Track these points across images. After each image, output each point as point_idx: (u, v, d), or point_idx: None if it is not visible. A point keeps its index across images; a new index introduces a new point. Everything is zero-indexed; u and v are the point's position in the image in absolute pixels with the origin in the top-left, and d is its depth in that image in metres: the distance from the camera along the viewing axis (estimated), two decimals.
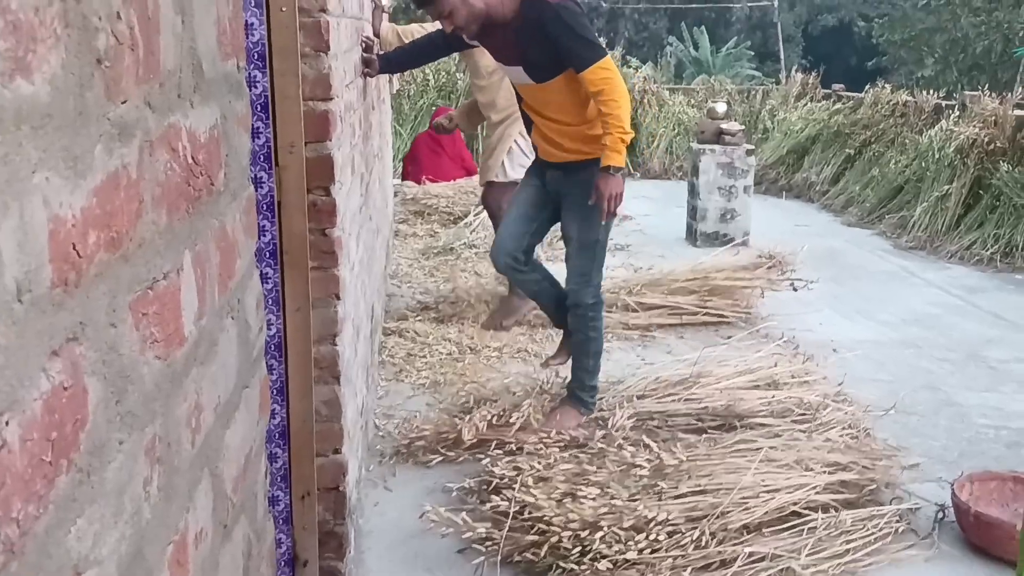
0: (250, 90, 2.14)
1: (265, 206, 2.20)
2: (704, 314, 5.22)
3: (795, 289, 5.35)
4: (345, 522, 2.56)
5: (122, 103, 0.73)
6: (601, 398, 3.84)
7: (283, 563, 2.48)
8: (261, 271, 2.24)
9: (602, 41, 3.44)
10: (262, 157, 2.19)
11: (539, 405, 3.77)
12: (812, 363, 4.34)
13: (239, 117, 1.15)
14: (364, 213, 3.44)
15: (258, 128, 2.17)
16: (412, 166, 8.28)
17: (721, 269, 5.40)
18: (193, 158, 0.94)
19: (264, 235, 2.21)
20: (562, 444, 3.43)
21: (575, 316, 3.71)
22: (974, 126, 7.54)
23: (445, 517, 2.96)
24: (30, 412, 0.56)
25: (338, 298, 2.40)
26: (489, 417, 3.65)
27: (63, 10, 0.62)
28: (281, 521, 2.44)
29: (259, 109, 2.16)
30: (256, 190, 2.19)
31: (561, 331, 3.99)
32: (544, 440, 3.43)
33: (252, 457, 1.20)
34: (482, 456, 3.45)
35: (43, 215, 0.59)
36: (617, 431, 3.48)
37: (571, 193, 3.58)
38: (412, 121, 10.27)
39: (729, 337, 5.07)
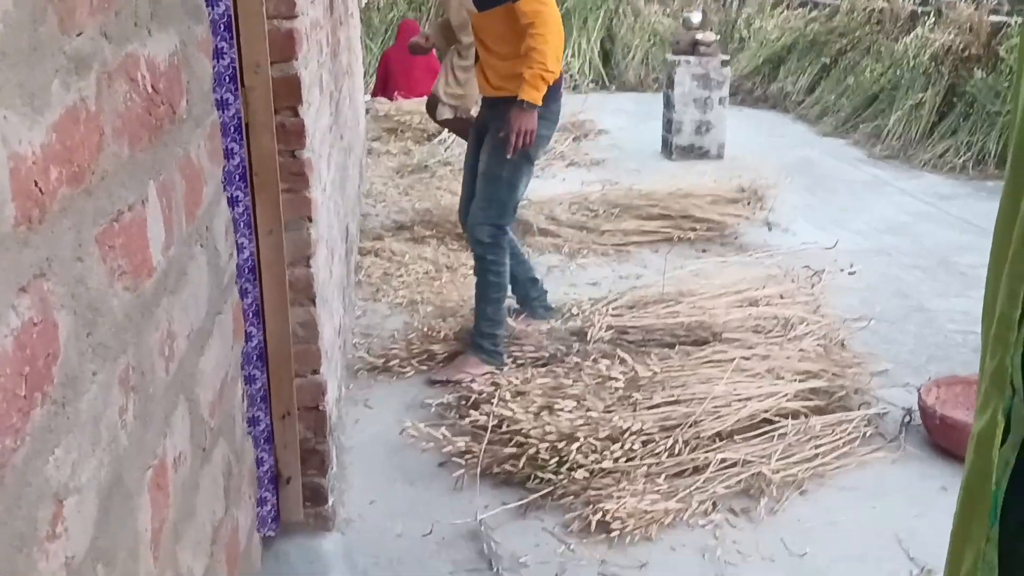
0: (213, 9, 2.09)
1: (233, 128, 2.18)
2: (680, 229, 5.25)
3: (769, 229, 5.37)
4: (326, 440, 2.60)
5: (77, 35, 0.73)
6: (577, 313, 3.88)
7: (266, 481, 2.53)
8: (231, 194, 2.23)
9: None
10: (228, 78, 2.15)
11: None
12: (785, 276, 4.39)
13: (199, 42, 1.14)
14: (335, 132, 3.40)
15: (222, 48, 2.13)
16: (383, 82, 8.15)
17: (696, 197, 5.39)
18: (153, 87, 0.94)
19: (233, 158, 2.19)
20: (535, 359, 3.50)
21: (473, 251, 3.63)
22: (949, 33, 7.50)
23: (425, 432, 3.03)
24: (1, 349, 0.58)
25: (310, 220, 2.40)
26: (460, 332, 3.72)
27: None
28: (263, 440, 2.48)
29: (222, 29, 2.11)
30: (223, 112, 2.17)
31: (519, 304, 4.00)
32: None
33: (228, 381, 1.22)
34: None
35: (2, 153, 0.59)
36: (594, 344, 3.53)
37: (490, 127, 3.56)
38: (382, 35, 10.07)
39: (704, 251, 5.12)
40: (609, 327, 3.63)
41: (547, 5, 3.31)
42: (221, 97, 2.17)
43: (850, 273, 4.26)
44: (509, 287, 3.74)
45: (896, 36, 8.39)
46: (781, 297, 4.05)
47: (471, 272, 4.60)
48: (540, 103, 3.33)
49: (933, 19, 8.05)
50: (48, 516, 0.64)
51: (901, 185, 6.53)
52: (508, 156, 3.38)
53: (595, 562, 2.54)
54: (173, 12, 1.03)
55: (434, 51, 8.15)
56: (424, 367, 3.65)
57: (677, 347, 3.54)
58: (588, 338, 3.59)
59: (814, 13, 9.92)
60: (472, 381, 3.41)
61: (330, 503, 2.64)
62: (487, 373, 3.46)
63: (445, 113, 5.40)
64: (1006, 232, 0.78)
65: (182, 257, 1.01)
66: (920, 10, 8.48)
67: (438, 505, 2.80)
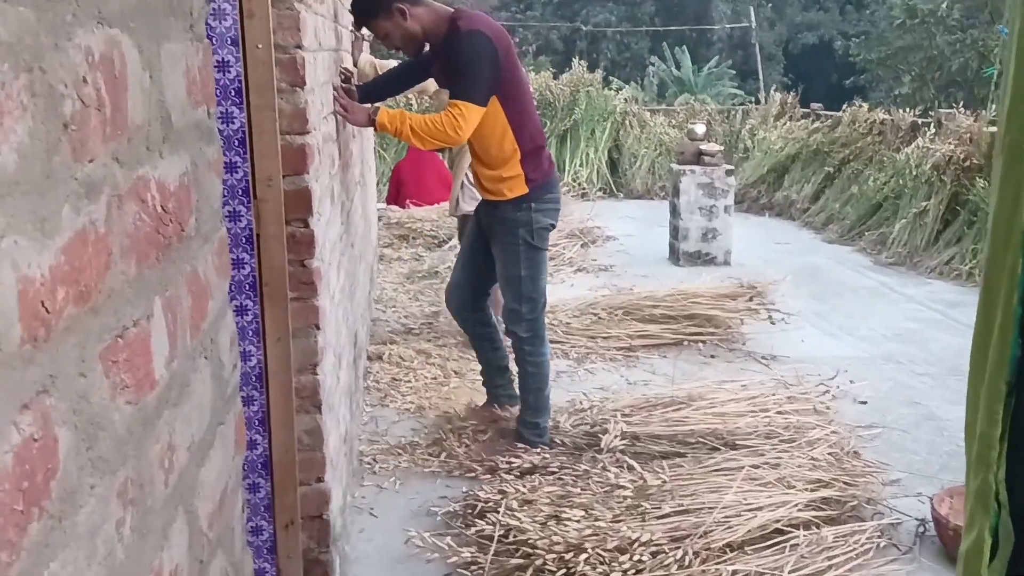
0: (227, 126, 2.18)
1: (244, 239, 2.23)
2: (686, 334, 5.27)
3: (772, 322, 5.40)
4: (330, 550, 2.57)
5: (89, 162, 0.77)
6: (593, 414, 3.88)
7: None
8: (240, 303, 2.27)
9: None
10: (240, 191, 2.22)
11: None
12: (795, 384, 4.38)
13: (210, 162, 1.19)
14: (345, 241, 3.47)
15: (236, 163, 2.20)
16: (395, 190, 8.33)
17: (701, 296, 5.45)
18: (163, 207, 0.98)
19: (243, 267, 2.24)
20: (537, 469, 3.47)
21: (513, 348, 3.77)
22: (949, 143, 7.65)
23: (430, 542, 2.99)
24: (1, 465, 0.59)
25: (318, 328, 2.43)
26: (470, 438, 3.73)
27: (29, 81, 0.65)
28: (265, 551, 2.46)
29: (236, 144, 2.20)
30: (234, 223, 2.23)
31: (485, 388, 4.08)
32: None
33: (228, 493, 1.23)
34: (470, 477, 3.50)
35: (12, 277, 0.62)
36: (608, 452, 3.51)
37: (492, 230, 3.69)
38: (395, 144, 10.32)
39: (712, 356, 5.13)
40: (622, 434, 3.61)
41: (464, 115, 3.33)
42: (233, 209, 2.23)
43: (862, 402, 4.27)
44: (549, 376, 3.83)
45: (898, 146, 8.56)
46: (790, 401, 4.04)
47: (479, 377, 4.62)
48: (379, 129, 3.39)
49: (933, 130, 8.23)
50: None
51: (908, 292, 6.56)
52: (334, 112, 3.31)
53: None
54: (185, 135, 1.08)
55: (439, 157, 8.39)
56: (431, 471, 3.63)
57: (688, 455, 3.51)
58: (601, 446, 3.56)
59: (816, 124, 10.16)
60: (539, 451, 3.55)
61: None
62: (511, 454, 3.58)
63: (466, 208, 5.44)
64: (982, 352, 0.79)
65: (185, 370, 1.04)
66: (920, 121, 8.67)
67: None
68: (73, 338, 0.73)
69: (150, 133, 0.95)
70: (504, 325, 3.81)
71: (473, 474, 3.55)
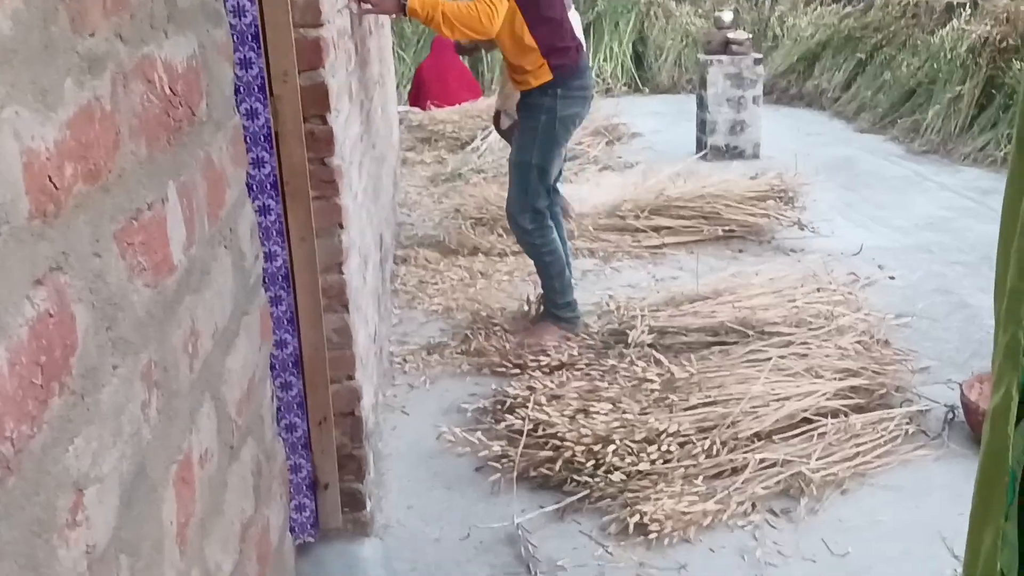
0: (239, 19, 2.13)
1: (263, 137, 2.21)
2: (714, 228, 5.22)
3: (801, 229, 5.27)
4: (363, 445, 2.62)
5: (90, 35, 0.74)
6: (621, 312, 3.88)
7: (304, 487, 2.55)
8: (263, 203, 2.25)
9: None
10: (256, 87, 2.18)
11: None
12: (824, 274, 4.34)
13: (219, 45, 1.15)
14: (366, 141, 3.43)
15: (250, 58, 2.16)
16: (416, 92, 8.21)
17: (728, 197, 5.33)
18: (171, 88, 0.95)
19: (263, 167, 2.21)
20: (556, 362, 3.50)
21: (520, 241, 3.82)
22: (986, 24, 7.36)
23: (461, 437, 3.04)
24: (16, 338, 0.59)
25: (342, 227, 2.42)
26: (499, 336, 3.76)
27: None
28: (300, 447, 2.50)
29: (250, 39, 2.15)
30: (252, 121, 2.20)
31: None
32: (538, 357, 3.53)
33: (256, 382, 1.24)
34: (498, 374, 3.54)
35: (15, 148, 0.60)
36: (635, 347, 3.52)
37: (520, 116, 3.76)
38: (415, 45, 10.14)
39: (740, 251, 5.08)
40: (649, 329, 3.61)
41: (492, 4, 3.37)
42: (250, 107, 2.20)
43: (891, 277, 4.20)
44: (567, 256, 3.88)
45: (932, 29, 8.26)
46: (819, 291, 4.01)
47: (505, 278, 4.63)
48: (409, 14, 3.37)
49: (969, 11, 7.92)
50: (68, 504, 0.65)
51: (941, 180, 6.42)
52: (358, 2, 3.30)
53: (633, 565, 2.52)
54: (191, 15, 1.05)
55: (466, 60, 8.25)
56: (461, 370, 3.67)
57: (714, 347, 3.51)
58: (629, 341, 3.57)
59: (848, 8, 9.81)
60: (554, 346, 3.63)
61: (368, 509, 2.66)
62: (564, 338, 3.73)
63: (506, 123, 5.38)
64: (1014, 207, 0.76)
65: (205, 257, 1.03)
66: (956, 2, 8.34)
67: (475, 510, 2.80)
68: (85, 216, 0.71)
69: (153, 10, 0.91)
70: (509, 220, 3.81)
71: (503, 371, 3.57)
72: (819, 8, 10.27)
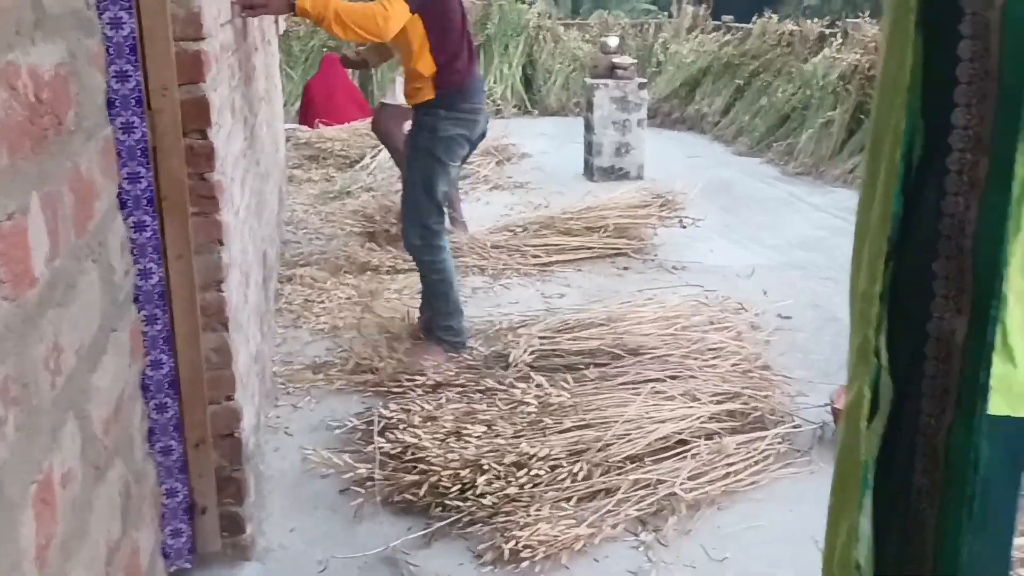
0: (116, 31, 2.06)
1: (139, 151, 2.14)
2: (601, 247, 5.32)
3: (683, 226, 5.50)
4: (243, 467, 2.55)
5: None
6: (505, 333, 3.91)
7: (181, 511, 2.47)
8: (139, 219, 2.18)
9: None
10: (133, 101, 2.11)
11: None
12: (704, 294, 4.47)
13: (91, 55, 1.12)
14: (250, 157, 3.37)
15: (127, 71, 2.10)
16: (305, 110, 8.11)
17: (613, 207, 5.49)
18: (37, 96, 0.92)
19: (139, 182, 2.15)
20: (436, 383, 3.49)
21: (416, 260, 3.81)
22: (855, 52, 7.77)
23: (325, 458, 3.00)
24: None
25: (221, 244, 2.37)
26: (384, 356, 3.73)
27: None
28: (177, 470, 2.42)
29: (127, 51, 2.08)
30: (128, 135, 2.13)
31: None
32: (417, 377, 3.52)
33: (125, 400, 1.20)
34: (382, 394, 3.51)
35: None
36: (515, 369, 3.52)
37: (410, 131, 3.77)
38: (303, 64, 10.02)
39: (625, 268, 5.20)
40: (531, 351, 3.62)
41: (388, 5, 3.32)
42: (127, 120, 2.13)
43: (785, 317, 4.35)
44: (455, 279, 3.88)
45: (806, 57, 8.67)
46: (698, 312, 4.12)
47: (395, 296, 4.60)
48: (300, 13, 3.31)
49: (840, 40, 8.35)
50: None
51: (814, 201, 6.72)
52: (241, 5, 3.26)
53: None
54: (61, 23, 1.02)
55: (348, 76, 8.21)
56: (347, 389, 3.63)
57: (592, 368, 3.51)
58: (509, 362, 3.56)
59: (727, 36, 10.20)
60: (436, 368, 3.59)
61: (248, 532, 2.60)
62: (449, 359, 3.69)
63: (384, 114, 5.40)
64: (866, 211, 0.82)
65: (71, 270, 1.00)
66: (827, 31, 8.78)
67: (359, 531, 2.76)
68: None
69: (20, 16, 0.88)
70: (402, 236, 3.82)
71: (386, 391, 3.55)
72: (700, 36, 10.64)
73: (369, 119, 7.38)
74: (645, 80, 7.78)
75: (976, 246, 0.88)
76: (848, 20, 8.92)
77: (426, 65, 3.56)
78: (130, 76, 2.11)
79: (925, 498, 0.92)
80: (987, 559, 0.99)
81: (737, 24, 10.49)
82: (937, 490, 0.92)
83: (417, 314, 4.12)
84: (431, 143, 3.61)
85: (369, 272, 4.90)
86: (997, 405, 0.96)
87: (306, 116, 8.05)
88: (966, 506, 0.92)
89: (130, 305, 1.23)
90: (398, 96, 5.17)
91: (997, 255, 0.88)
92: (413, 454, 2.94)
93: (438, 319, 3.80)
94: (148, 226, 2.21)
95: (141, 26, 2.12)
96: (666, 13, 14.59)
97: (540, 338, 3.77)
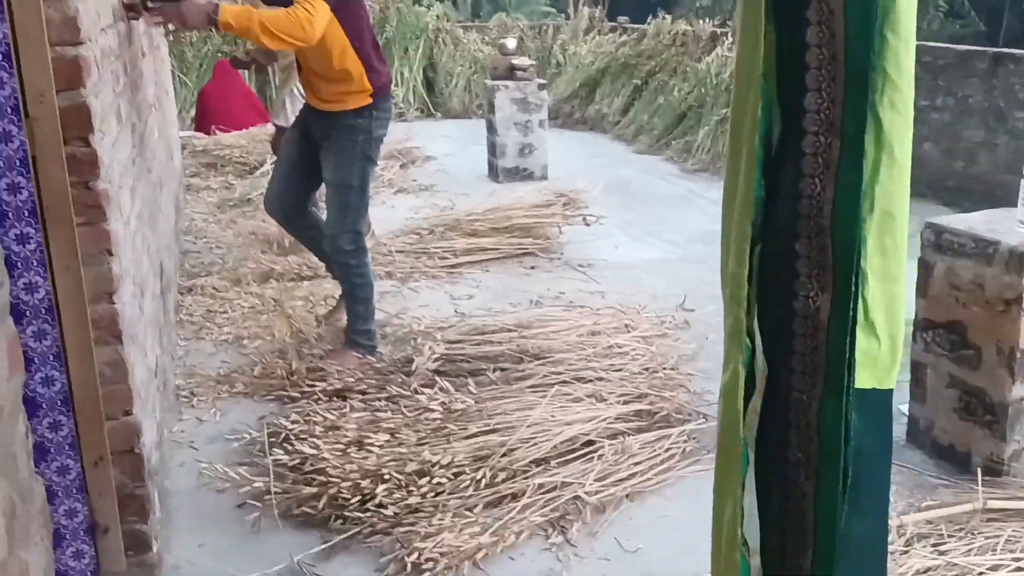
0: None
1: (18, 161, 2.07)
2: (508, 247, 5.36)
3: (587, 224, 5.60)
4: (145, 484, 2.48)
5: None
6: (415, 336, 3.90)
7: (82, 532, 2.40)
8: (21, 231, 2.11)
9: None
10: (9, 109, 2.05)
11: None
12: (610, 293, 4.54)
13: None
14: (140, 165, 3.28)
15: (2, 78, 2.03)
16: (201, 116, 7.93)
17: (518, 207, 5.54)
18: None
19: (20, 192, 2.08)
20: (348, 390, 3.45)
21: (336, 262, 3.76)
22: None
23: (222, 472, 2.95)
24: None
25: (111, 254, 2.30)
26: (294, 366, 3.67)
27: None
28: (75, 490, 2.35)
29: (1, 58, 2.01)
30: (6, 145, 2.06)
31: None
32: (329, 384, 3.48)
33: (6, 416, 1.16)
34: (287, 404, 3.46)
35: None
36: (419, 375, 3.49)
37: (328, 138, 3.66)
38: (198, 70, 9.80)
39: (532, 268, 5.24)
40: (436, 357, 3.60)
41: (312, 6, 3.24)
42: (3, 129, 2.06)
43: (688, 310, 4.43)
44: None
45: (699, 57, 8.89)
46: (603, 313, 4.16)
47: (300, 303, 4.54)
48: (223, 28, 3.23)
49: (731, 39, 8.58)
50: None
51: (712, 196, 6.89)
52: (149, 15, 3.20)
53: None
54: None
55: (252, 83, 8.07)
56: (252, 400, 3.57)
57: (497, 372, 3.52)
58: (414, 368, 3.53)
59: (624, 37, 10.38)
60: (351, 373, 3.55)
61: (155, 550, 2.53)
62: (362, 364, 3.64)
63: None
64: (731, 201, 0.85)
65: None
66: (719, 31, 9.02)
67: (264, 546, 2.71)
68: None
69: None
70: (327, 241, 3.75)
71: (291, 401, 3.50)
72: (597, 37, 10.80)
73: (269, 123, 7.28)
74: (545, 81, 7.87)
75: (834, 225, 0.93)
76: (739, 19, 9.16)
77: (354, 66, 3.53)
78: (4, 83, 2.04)
79: (802, 471, 0.96)
80: (864, 527, 1.04)
81: (632, 25, 10.68)
82: (812, 463, 0.96)
83: (323, 321, 4.08)
84: (367, 146, 3.62)
85: (273, 280, 4.82)
86: (863, 379, 1.01)
87: (202, 123, 7.87)
88: (841, 477, 0.97)
89: (5, 317, 1.19)
90: (290, 117, 5.16)
91: (854, 233, 0.93)
92: (312, 465, 2.90)
93: (356, 323, 3.79)
94: (32, 238, 2.14)
95: (14, 31, 2.04)
96: (564, 15, 14.75)
97: (448, 343, 3.76)
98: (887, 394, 1.05)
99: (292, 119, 5.10)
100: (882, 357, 1.02)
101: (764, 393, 0.91)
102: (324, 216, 3.87)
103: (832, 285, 0.94)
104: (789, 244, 0.93)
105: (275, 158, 6.07)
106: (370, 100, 3.58)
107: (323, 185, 3.80)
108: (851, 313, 0.95)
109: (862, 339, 0.98)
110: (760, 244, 0.90)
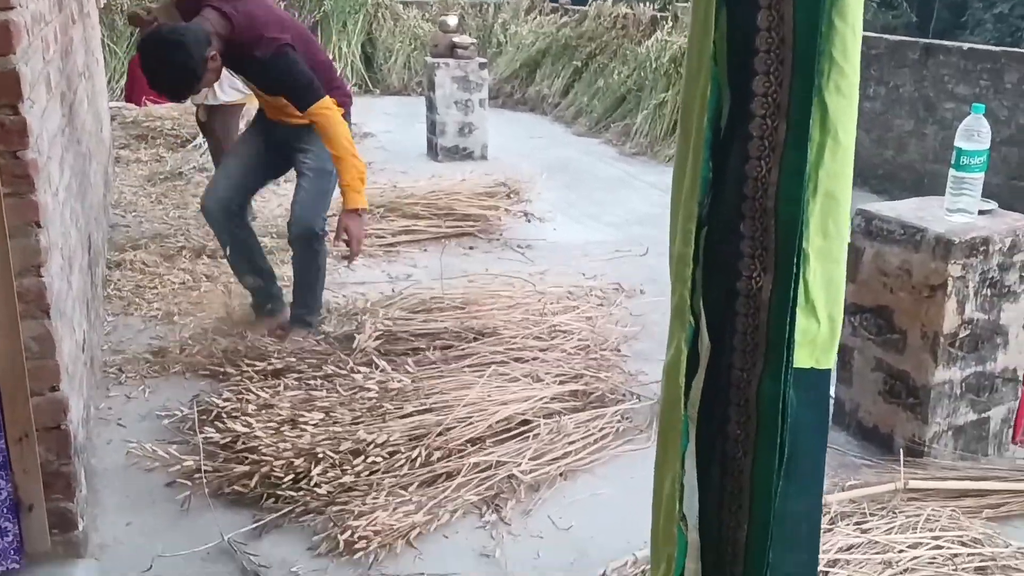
0: None
1: None
2: (447, 228, 5.34)
3: (528, 220, 5.61)
4: (71, 461, 2.43)
5: None
6: (355, 314, 3.88)
7: (5, 510, 2.34)
8: None
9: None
10: None
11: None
12: (551, 273, 4.56)
13: None
14: (69, 136, 3.18)
15: None
16: (131, 87, 7.70)
17: (460, 194, 5.50)
18: None
19: None
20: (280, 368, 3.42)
21: (305, 245, 3.74)
22: (686, 35, 8.05)
23: (151, 451, 2.90)
24: None
25: (39, 226, 2.23)
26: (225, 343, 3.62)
27: None
28: None
29: None
30: None
31: (251, 295, 4.01)
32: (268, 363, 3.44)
33: None
34: (220, 382, 3.40)
35: None
36: (359, 353, 3.47)
37: (307, 137, 3.69)
38: (128, 39, 9.51)
39: (471, 248, 5.23)
40: (377, 335, 3.58)
41: (330, 109, 3.48)
42: None
43: (625, 292, 4.45)
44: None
45: (639, 40, 8.93)
46: (544, 294, 4.18)
47: (233, 280, 4.45)
48: (367, 205, 3.62)
49: (671, 23, 8.64)
50: None
51: (649, 179, 6.96)
52: (348, 264, 3.84)
53: None
54: None
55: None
56: (183, 377, 3.50)
57: (435, 351, 3.51)
58: (353, 347, 3.51)
59: (565, 19, 10.37)
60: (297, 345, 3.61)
61: (80, 528, 2.48)
62: (306, 338, 3.70)
63: (204, 115, 5.24)
64: (679, 181, 0.86)
65: None
66: (659, 15, 9.07)
67: (195, 525, 2.67)
68: None
69: None
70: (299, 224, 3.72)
71: (223, 379, 3.44)
72: (539, 17, 10.77)
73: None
74: (486, 60, 7.82)
75: (778, 207, 0.95)
76: (678, 3, 9.23)
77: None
78: None
79: (740, 447, 0.98)
80: (799, 503, 1.07)
81: (574, 7, 10.68)
82: (751, 439, 0.98)
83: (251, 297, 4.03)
84: None
85: (205, 257, 4.73)
86: (802, 358, 1.03)
87: (132, 94, 7.62)
88: (778, 453, 0.99)
89: None
90: (220, 96, 5.06)
91: (797, 215, 0.95)
92: (244, 444, 2.86)
93: (312, 304, 3.84)
94: None
95: None
96: None
97: (386, 320, 3.74)
98: (825, 373, 1.08)
99: (222, 97, 5.04)
100: (821, 337, 1.04)
101: (706, 371, 0.92)
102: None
103: (774, 265, 0.96)
104: (734, 225, 0.95)
105: (204, 139, 5.96)
106: (342, 111, 3.65)
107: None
108: (792, 293, 0.97)
109: (802, 319, 1.01)
110: (706, 225, 0.91)
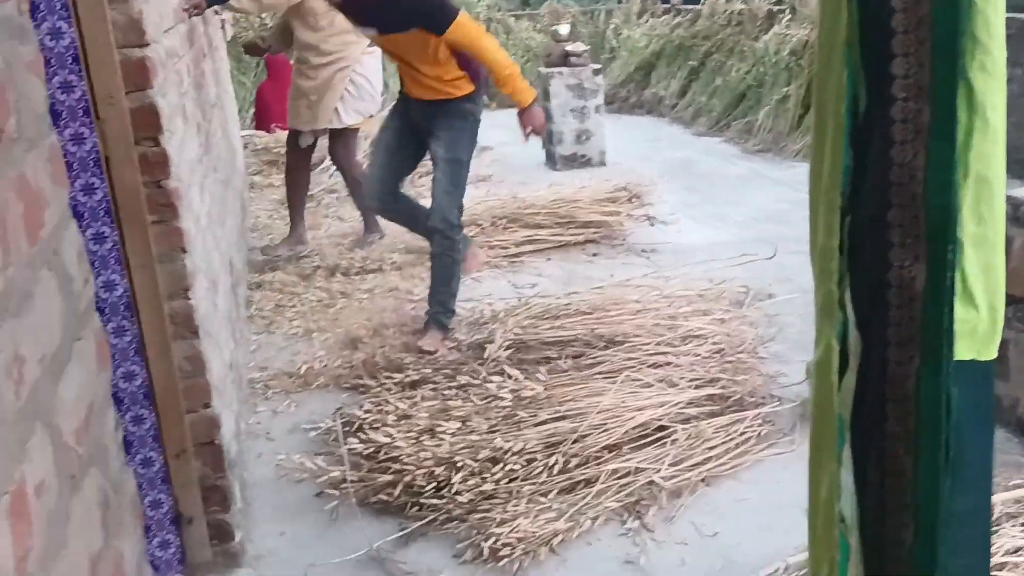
0: (56, 42, 2.03)
1: (91, 162, 2.11)
2: (570, 235, 5.33)
3: (651, 224, 5.52)
4: (226, 475, 2.53)
5: None
6: (484, 323, 3.91)
7: (167, 522, 2.45)
8: (97, 230, 2.15)
9: None
10: (80, 111, 2.08)
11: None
12: (676, 278, 4.48)
13: (27, 62, 1.10)
14: (207, 163, 3.34)
15: (71, 81, 2.06)
16: (260, 115, 8.03)
17: (581, 201, 5.48)
18: None
19: (95, 193, 2.12)
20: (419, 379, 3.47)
21: (441, 236, 3.84)
22: (805, 27, 7.82)
23: (298, 463, 2.98)
24: None
25: (184, 251, 2.34)
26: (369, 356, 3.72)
27: None
28: (159, 481, 2.40)
29: (70, 61, 2.05)
30: (79, 146, 2.10)
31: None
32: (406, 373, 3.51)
33: (96, 409, 1.18)
34: (361, 394, 3.49)
35: None
36: (492, 362, 3.48)
37: (438, 121, 3.84)
38: (255, 69, 9.92)
39: (595, 255, 5.20)
40: (507, 345, 3.59)
41: (467, 24, 3.61)
42: (76, 131, 2.10)
43: (758, 294, 4.35)
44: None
45: (756, 35, 8.70)
46: (672, 298, 4.10)
47: (366, 296, 4.58)
48: (535, 95, 3.82)
49: (789, 16, 8.40)
50: None
51: (775, 176, 6.77)
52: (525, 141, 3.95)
53: None
54: None
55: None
56: (325, 391, 3.61)
57: (567, 359, 3.49)
58: (485, 356, 3.53)
59: (678, 19, 10.22)
60: (436, 348, 3.74)
61: (237, 539, 2.58)
62: (444, 341, 3.83)
63: (307, 140, 5.36)
64: (817, 172, 0.82)
65: (25, 280, 0.98)
66: (775, 8, 8.83)
67: (343, 534, 2.74)
68: None
69: None
70: (437, 215, 3.86)
71: (364, 391, 3.53)
72: (651, 20, 10.65)
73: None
74: (599, 66, 7.79)
75: (927, 193, 0.90)
76: None
77: (446, 61, 3.74)
78: (75, 86, 2.08)
79: (900, 445, 0.93)
80: (967, 502, 1.01)
81: (686, 6, 10.51)
82: (911, 437, 0.93)
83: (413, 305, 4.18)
84: (475, 127, 3.92)
85: (339, 275, 4.87)
86: (963, 350, 0.97)
87: (261, 121, 7.97)
88: (941, 450, 0.93)
89: (92, 314, 1.21)
90: (344, 119, 5.18)
91: (948, 200, 0.90)
92: (386, 454, 2.92)
93: (448, 302, 3.92)
94: (108, 237, 2.18)
95: (82, 35, 2.08)
96: None
97: (516, 329, 3.74)
98: (988, 365, 1.01)
99: (346, 120, 5.16)
100: (982, 327, 0.98)
101: (858, 367, 0.88)
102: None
103: (926, 254, 0.91)
104: (881, 213, 0.90)
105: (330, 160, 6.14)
106: (473, 88, 3.81)
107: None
108: (948, 283, 0.92)
109: (960, 309, 0.95)
110: (850, 215, 0.87)
